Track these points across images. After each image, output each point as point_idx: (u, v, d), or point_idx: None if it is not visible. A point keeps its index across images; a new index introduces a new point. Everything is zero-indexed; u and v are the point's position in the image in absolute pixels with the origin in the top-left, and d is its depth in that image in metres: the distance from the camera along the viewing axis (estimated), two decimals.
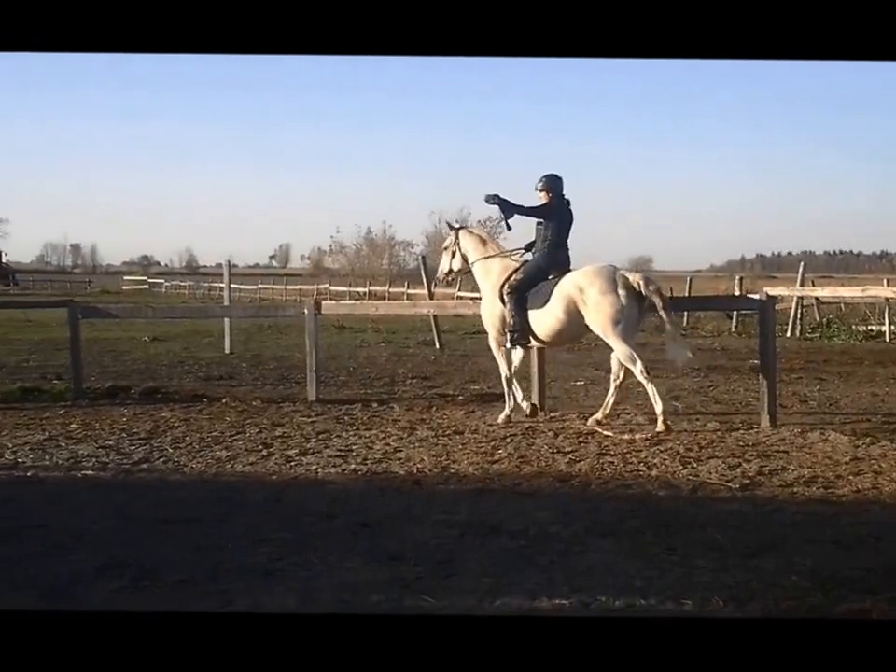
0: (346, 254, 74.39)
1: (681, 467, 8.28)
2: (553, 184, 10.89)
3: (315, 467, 8.40)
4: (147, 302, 42.75)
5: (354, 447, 9.27)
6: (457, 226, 11.97)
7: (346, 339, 23.55)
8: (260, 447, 9.26)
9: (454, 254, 11.68)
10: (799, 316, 25.48)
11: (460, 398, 12.53)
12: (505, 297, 10.85)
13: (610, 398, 10.69)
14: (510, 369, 11.22)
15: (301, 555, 5.74)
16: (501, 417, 10.85)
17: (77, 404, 12.14)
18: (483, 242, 11.60)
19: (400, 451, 9.09)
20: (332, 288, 54.51)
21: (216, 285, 61.04)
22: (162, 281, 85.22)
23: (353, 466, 8.42)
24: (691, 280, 34.10)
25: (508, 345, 11.02)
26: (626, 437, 9.68)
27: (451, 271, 11.86)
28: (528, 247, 11.25)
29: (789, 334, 24.67)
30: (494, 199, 10.83)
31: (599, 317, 10.28)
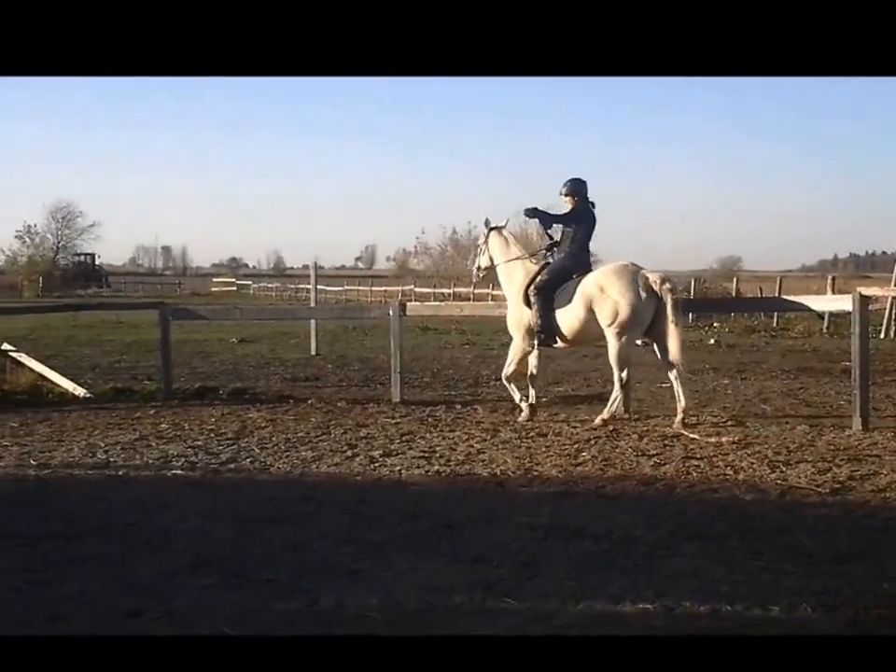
0: (431, 255, 74.44)
1: (769, 470, 8.18)
2: (577, 188, 11.18)
3: (398, 468, 8.44)
4: (235, 304, 43.27)
5: (437, 448, 9.30)
6: (492, 225, 11.99)
7: (431, 340, 23.63)
8: (345, 448, 9.34)
9: (483, 252, 12.01)
10: (894, 317, 25.00)
11: (543, 400, 12.48)
12: (531, 298, 11.04)
13: (678, 394, 10.57)
14: (526, 369, 11.49)
15: (384, 556, 5.78)
16: (522, 417, 11.03)
17: (167, 404, 12.35)
18: (508, 244, 11.78)
19: (484, 453, 9.10)
20: (417, 290, 54.73)
21: (302, 286, 61.62)
22: (250, 283, 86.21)
23: (436, 467, 8.45)
24: (781, 280, 33.66)
25: (536, 345, 11.24)
26: (713, 440, 9.58)
27: (480, 268, 12.17)
28: (549, 248, 11.58)
29: (882, 335, 24.24)
30: (532, 212, 11.25)
31: (612, 316, 10.47)
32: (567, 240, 11.16)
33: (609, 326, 10.52)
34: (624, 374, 10.70)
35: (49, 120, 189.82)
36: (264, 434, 10.12)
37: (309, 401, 12.48)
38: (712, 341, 23.94)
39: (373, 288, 63.91)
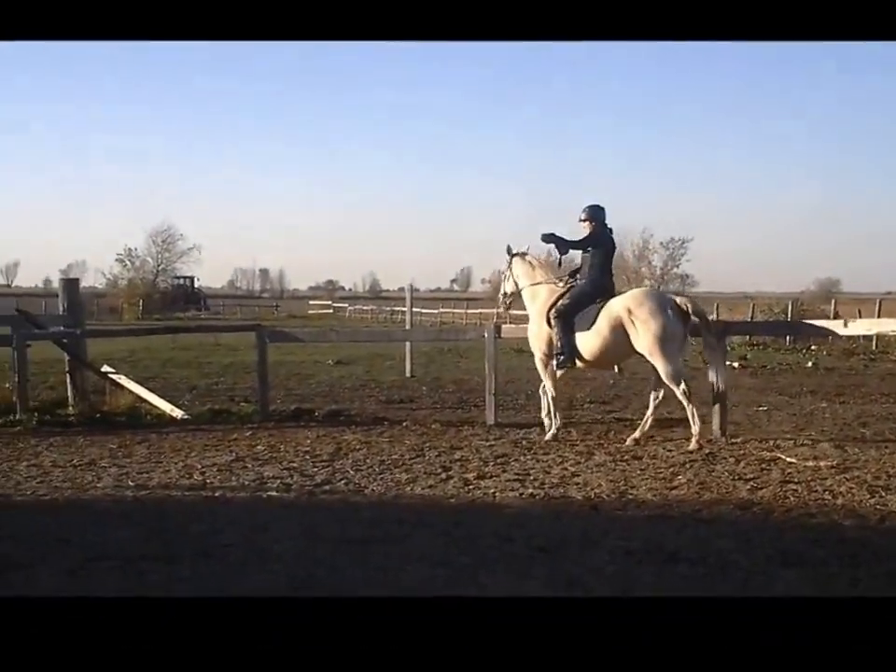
0: None
1: (868, 496, 8.01)
2: (595, 214, 11.54)
3: (492, 490, 8.42)
4: (331, 326, 43.66)
5: (531, 471, 9.27)
6: (514, 252, 12.25)
7: (525, 362, 23.46)
8: (439, 470, 9.35)
9: (507, 278, 12.35)
10: None
11: (639, 422, 12.38)
12: (552, 320, 11.36)
13: (647, 417, 11.26)
14: (553, 388, 11.76)
15: (478, 579, 5.77)
16: (548, 436, 11.37)
17: (264, 426, 12.47)
18: (533, 268, 12.04)
19: (578, 476, 9.05)
20: (512, 312, 54.61)
21: (398, 308, 61.96)
22: (346, 305, 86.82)
23: (530, 490, 8.41)
24: (880, 302, 32.99)
25: (555, 367, 11.54)
26: (811, 464, 9.41)
27: (506, 294, 12.53)
28: (572, 274, 11.78)
29: None
30: (549, 238, 11.46)
31: (648, 337, 10.72)
32: (587, 265, 11.52)
33: (646, 347, 10.77)
34: (684, 387, 10.79)
35: (158, 143, 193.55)
36: (359, 456, 10.18)
37: (404, 423, 12.53)
38: (810, 364, 23.55)
39: (469, 311, 63.97)
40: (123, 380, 14.32)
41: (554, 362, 11.47)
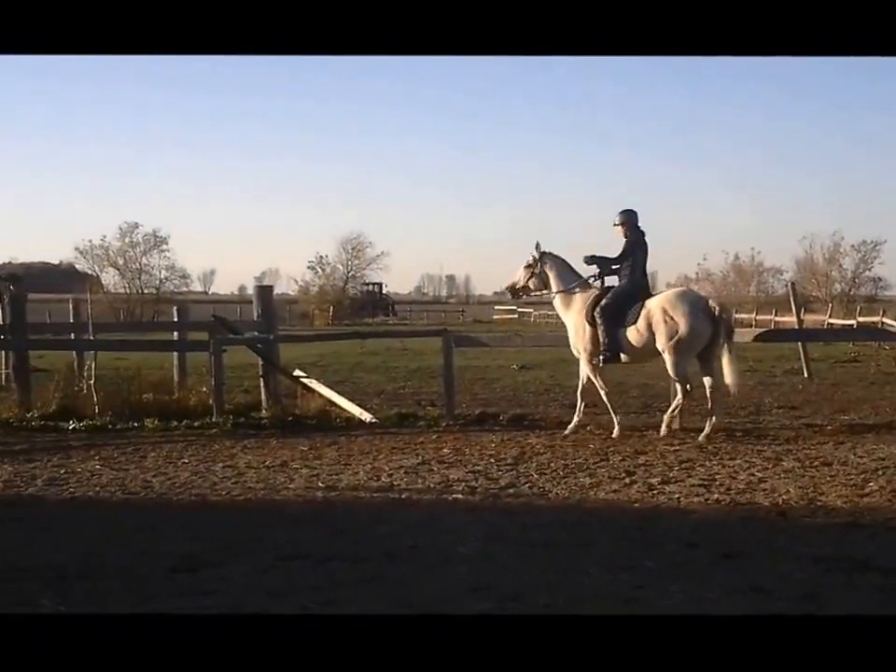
0: (713, 281, 73.16)
1: None
2: (628, 218, 12.21)
3: (677, 496, 8.35)
4: (516, 331, 43.75)
5: (717, 477, 9.14)
6: (544, 250, 12.72)
7: None
8: (623, 475, 9.31)
9: (533, 274, 12.75)
10: None
11: (829, 428, 12.07)
12: (598, 318, 11.98)
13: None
14: (603, 385, 12.33)
15: (662, 584, 5.73)
16: (570, 428, 12.14)
17: (449, 430, 12.61)
18: (568, 270, 12.61)
19: (765, 481, 8.88)
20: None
21: None
22: (531, 310, 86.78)
23: (716, 495, 8.31)
24: None
25: (601, 361, 12.14)
26: None
27: (525, 287, 12.99)
28: (600, 277, 12.49)
29: None
30: (591, 260, 12.36)
31: (671, 335, 11.58)
32: (627, 268, 12.12)
33: (668, 344, 11.61)
34: (688, 387, 11.83)
35: (349, 151, 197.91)
36: (543, 460, 10.20)
37: (587, 428, 12.49)
38: None
39: None
40: (314, 384, 14.69)
41: (601, 357, 12.06)
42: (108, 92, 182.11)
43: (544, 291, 12.89)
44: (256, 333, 14.87)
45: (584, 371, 12.39)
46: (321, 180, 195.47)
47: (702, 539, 6.79)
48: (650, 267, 12.56)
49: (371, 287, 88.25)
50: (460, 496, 8.56)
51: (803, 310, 18.83)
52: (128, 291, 69.53)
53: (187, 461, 10.40)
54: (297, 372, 15.25)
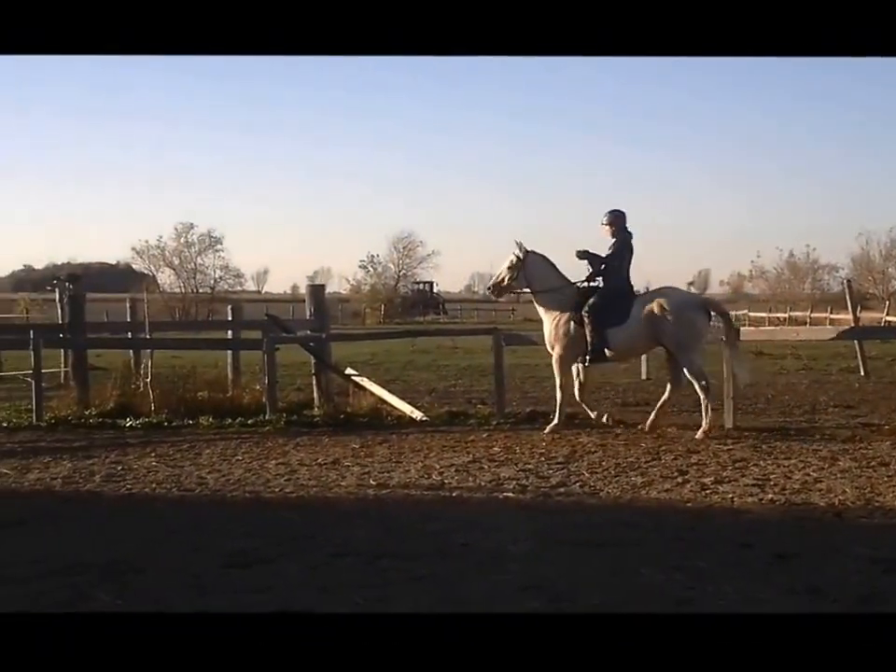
0: (767, 278, 72.65)
1: None
2: (616, 218, 12.29)
3: (730, 495, 8.29)
4: None
5: (771, 476, 9.06)
6: (527, 249, 12.62)
7: (765, 365, 22.99)
8: (675, 474, 9.26)
9: (516, 274, 12.61)
10: None
11: (886, 427, 11.92)
12: (585, 318, 12.01)
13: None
14: (572, 385, 12.61)
15: (715, 585, 5.70)
16: (549, 429, 12.13)
17: (500, 428, 12.60)
18: (552, 270, 12.61)
19: (821, 482, 8.79)
20: (751, 314, 53.45)
21: None
22: None
23: (770, 495, 8.24)
24: None
25: (588, 361, 12.25)
26: None
27: (508, 286, 12.85)
28: (589, 277, 12.39)
29: None
30: (583, 254, 12.39)
31: (679, 333, 11.76)
32: (615, 268, 12.20)
33: (677, 342, 11.82)
34: (705, 382, 11.88)
35: (398, 156, 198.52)
36: (594, 459, 10.17)
37: (639, 426, 12.43)
38: None
39: None
40: (365, 382, 14.75)
41: (588, 357, 12.15)
42: (165, 93, 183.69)
43: (526, 290, 12.82)
44: (308, 332, 14.97)
45: (555, 366, 12.53)
46: (373, 179, 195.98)
47: (756, 540, 6.73)
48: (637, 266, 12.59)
49: (421, 286, 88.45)
50: (511, 494, 8.56)
51: (859, 307, 18.45)
52: (183, 291, 70.28)
53: (240, 458, 10.48)
54: (349, 371, 15.31)
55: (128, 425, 12.84)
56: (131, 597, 5.61)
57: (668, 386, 12.40)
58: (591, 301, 12.11)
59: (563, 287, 12.49)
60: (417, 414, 13.39)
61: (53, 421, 13.17)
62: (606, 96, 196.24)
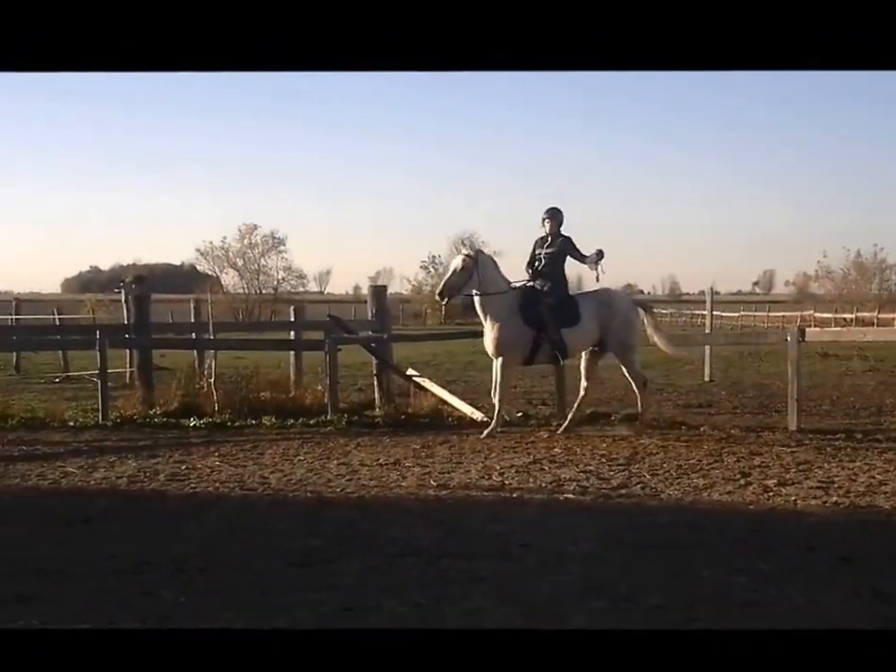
0: (833, 279, 71.70)
1: None
2: (555, 216, 12.21)
3: (793, 498, 8.22)
4: None
5: (836, 479, 8.97)
6: (483, 251, 12.84)
7: (830, 367, 22.77)
8: (738, 476, 9.19)
9: (470, 276, 12.06)
10: None
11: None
12: (545, 319, 11.86)
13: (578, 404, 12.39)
14: (510, 386, 12.91)
15: (778, 588, 5.66)
16: (486, 433, 11.84)
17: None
18: (499, 271, 12.33)
19: (887, 484, 8.69)
20: (817, 315, 52.87)
21: (697, 312, 60.99)
22: None
23: (834, 498, 8.16)
24: None
25: (561, 362, 12.58)
26: None
27: (457, 290, 12.30)
28: (533, 277, 12.25)
29: None
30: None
31: (626, 335, 12.09)
32: (558, 267, 12.20)
33: (621, 344, 12.08)
34: (645, 382, 12.38)
35: (451, 159, 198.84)
36: (655, 460, 10.13)
37: (701, 428, 12.35)
38: None
39: (771, 314, 62.30)
40: (426, 383, 14.77)
41: (560, 357, 12.20)
42: (226, 94, 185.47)
43: (475, 293, 12.17)
44: (370, 332, 15.02)
45: (500, 370, 12.22)
46: (434, 180, 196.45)
47: (820, 543, 6.68)
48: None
49: None
50: (571, 495, 8.54)
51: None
52: (246, 291, 70.67)
53: (302, 458, 10.55)
54: (410, 371, 15.36)
55: (192, 424, 12.96)
56: (194, 595, 5.68)
57: (585, 385, 12.40)
58: (547, 301, 11.97)
59: (509, 290, 12.25)
60: (478, 415, 13.39)
61: (119, 420, 13.31)
62: (693, 107, 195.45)
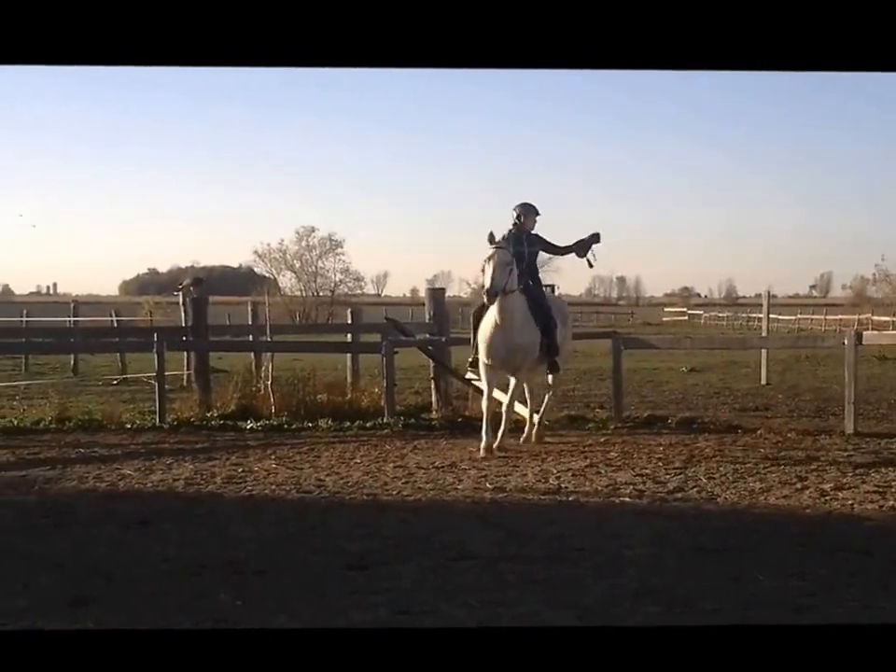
0: (891, 282, 70.75)
1: None
2: (530, 212, 11.53)
3: (851, 502, 8.17)
4: (685, 333, 43.21)
5: (893, 483, 8.90)
6: (496, 241, 11.00)
7: (889, 370, 22.51)
8: (794, 480, 9.14)
9: (511, 271, 10.84)
10: None
11: None
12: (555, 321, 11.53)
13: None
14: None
15: (834, 592, 5.65)
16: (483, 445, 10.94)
17: (617, 432, 12.54)
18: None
19: None
20: (875, 318, 52.22)
21: (753, 315, 60.53)
22: (701, 312, 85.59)
23: (891, 502, 8.10)
24: None
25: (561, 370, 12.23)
26: None
27: (504, 288, 10.78)
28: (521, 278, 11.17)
29: None
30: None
31: (567, 339, 12.43)
32: (536, 266, 11.89)
33: (566, 350, 12.37)
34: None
35: (513, 159, 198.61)
36: (711, 464, 10.09)
37: (758, 432, 12.29)
38: None
39: (827, 317, 61.72)
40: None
41: (560, 366, 11.89)
42: (284, 96, 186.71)
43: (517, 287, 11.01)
44: (427, 335, 15.06)
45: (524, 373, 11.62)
46: (492, 183, 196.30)
47: (877, 547, 6.65)
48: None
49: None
50: (628, 499, 8.54)
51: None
52: (304, 294, 70.95)
53: (359, 461, 10.61)
54: (468, 375, 15.38)
55: (248, 427, 13.05)
56: (251, 597, 5.75)
57: (549, 393, 12.22)
58: (544, 304, 11.57)
59: (518, 289, 11.09)
60: (535, 418, 13.39)
61: (176, 423, 13.43)
62: (731, 111, 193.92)
